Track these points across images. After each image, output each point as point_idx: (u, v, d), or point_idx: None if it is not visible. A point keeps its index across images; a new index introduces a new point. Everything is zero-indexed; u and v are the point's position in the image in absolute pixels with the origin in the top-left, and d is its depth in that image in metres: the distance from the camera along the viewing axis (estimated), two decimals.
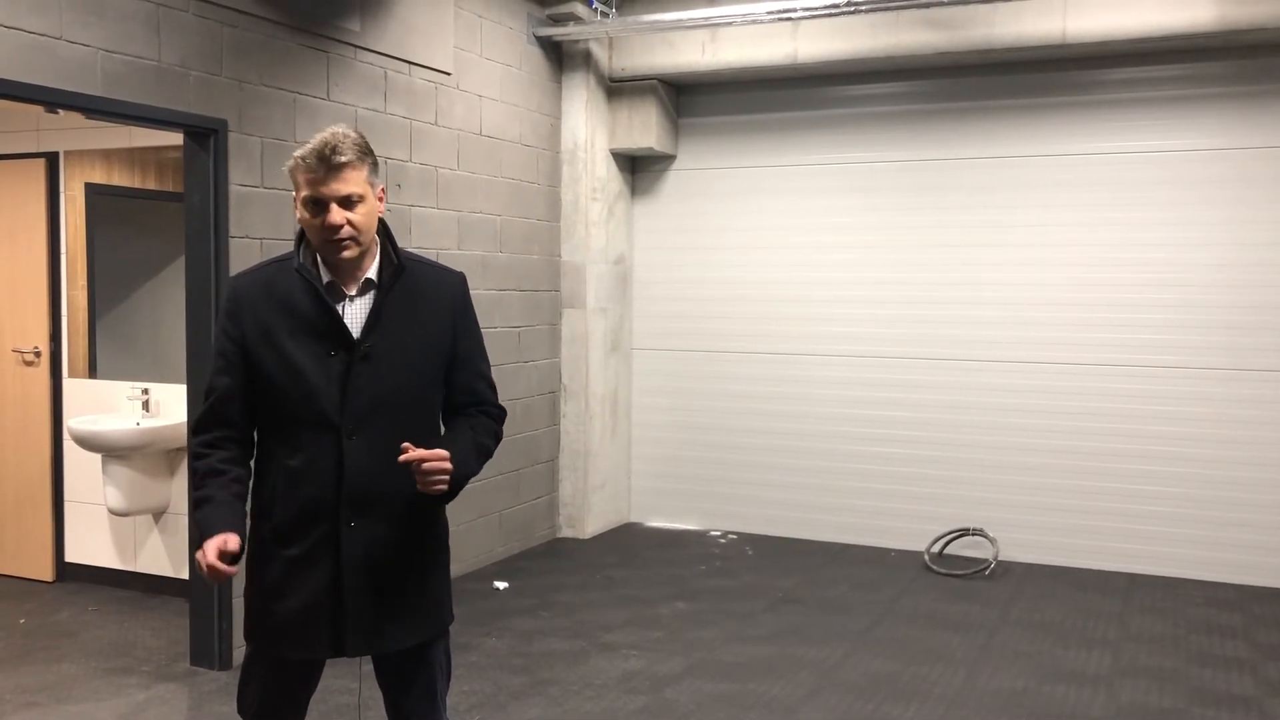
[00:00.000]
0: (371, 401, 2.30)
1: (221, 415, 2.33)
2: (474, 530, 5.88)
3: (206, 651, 4.36)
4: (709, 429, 6.92)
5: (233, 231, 4.40)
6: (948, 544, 6.22)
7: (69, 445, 5.42)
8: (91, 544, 5.51)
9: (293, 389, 2.29)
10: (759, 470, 6.78)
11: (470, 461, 2.36)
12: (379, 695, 2.53)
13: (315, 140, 2.25)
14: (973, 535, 6.15)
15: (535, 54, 6.38)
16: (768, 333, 6.76)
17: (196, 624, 4.40)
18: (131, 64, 3.96)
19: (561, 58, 6.59)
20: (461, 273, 2.53)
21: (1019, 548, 6.15)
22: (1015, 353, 6.20)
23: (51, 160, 5.49)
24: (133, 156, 5.43)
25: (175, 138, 4.53)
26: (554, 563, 6.13)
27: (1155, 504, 5.92)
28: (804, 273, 6.67)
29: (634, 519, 7.13)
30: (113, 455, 5.11)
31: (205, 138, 4.30)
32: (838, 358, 6.59)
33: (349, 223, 2.24)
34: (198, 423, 2.37)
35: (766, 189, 6.76)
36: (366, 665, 2.53)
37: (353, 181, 2.23)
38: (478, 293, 6.10)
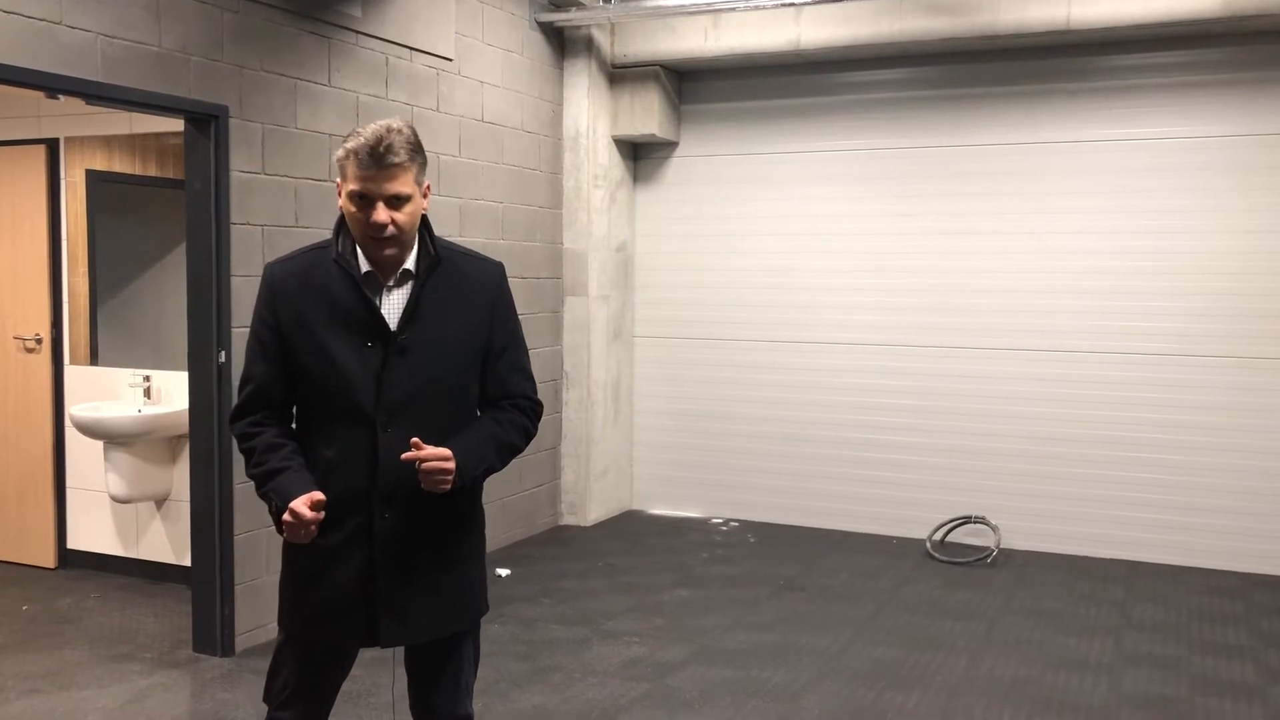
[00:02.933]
0: (407, 394, 2.28)
1: (263, 401, 2.33)
2: None
3: (209, 638, 4.37)
4: (711, 417, 6.92)
5: (234, 218, 4.39)
6: (949, 532, 6.22)
7: (70, 432, 5.42)
8: (93, 531, 5.51)
9: (329, 380, 2.28)
10: (761, 458, 6.78)
11: (487, 457, 2.33)
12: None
13: (369, 133, 2.21)
14: (975, 523, 6.15)
15: (537, 40, 6.35)
16: (771, 320, 6.75)
17: (199, 611, 4.40)
18: (132, 49, 3.94)
19: (564, 44, 6.56)
20: (500, 263, 2.49)
21: (1021, 535, 6.15)
22: (1017, 340, 6.18)
23: (52, 147, 5.47)
24: (134, 143, 5.41)
25: (176, 124, 4.51)
26: (556, 550, 6.13)
27: (1157, 492, 5.91)
28: (807, 260, 6.65)
29: (636, 507, 7.13)
30: (115, 442, 5.11)
31: (206, 124, 4.28)
32: (841, 345, 6.58)
33: (394, 222, 2.21)
34: (238, 409, 2.36)
35: (769, 176, 6.73)
36: (398, 653, 2.51)
37: (402, 182, 2.21)
38: None
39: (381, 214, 2.20)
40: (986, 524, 6.09)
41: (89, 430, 5.11)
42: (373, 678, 4.01)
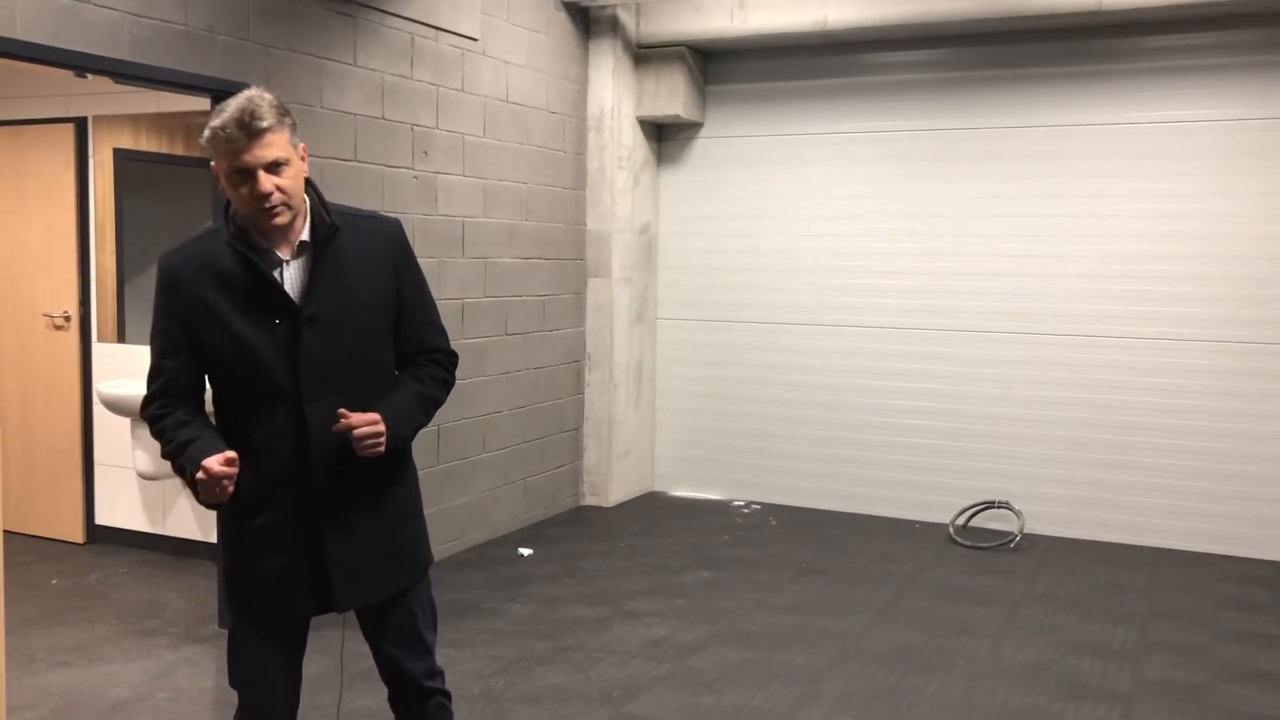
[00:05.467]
0: (326, 365, 2.27)
1: (172, 391, 2.30)
2: (498, 497, 5.91)
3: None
4: (733, 399, 6.91)
5: None
6: (972, 516, 6.19)
7: (98, 409, 5.47)
8: (121, 507, 5.58)
9: (243, 363, 2.25)
10: (783, 440, 6.77)
11: (415, 415, 2.38)
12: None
13: (231, 107, 2.16)
14: (998, 508, 6.12)
15: (562, 20, 6.32)
16: (794, 303, 6.72)
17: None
18: (159, 28, 3.95)
19: (589, 24, 6.53)
20: (396, 220, 2.49)
21: (1045, 521, 6.12)
22: (1044, 324, 6.13)
23: (80, 125, 5.50)
24: (160, 121, 5.44)
25: (203, 103, 4.52)
26: (578, 530, 6.15)
27: (1184, 478, 5.86)
28: (831, 242, 6.62)
29: (658, 488, 7.14)
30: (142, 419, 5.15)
31: None
32: (865, 328, 6.55)
33: (278, 188, 2.17)
34: (146, 398, 2.33)
35: (795, 158, 6.69)
36: (348, 619, 2.53)
37: (276, 146, 2.16)
38: (503, 261, 6.16)
39: (265, 183, 2.16)
40: (1010, 509, 6.06)
41: (116, 407, 5.16)
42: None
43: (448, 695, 2.61)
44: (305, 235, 2.29)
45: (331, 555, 2.32)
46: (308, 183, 2.29)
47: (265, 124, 2.14)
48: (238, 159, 2.15)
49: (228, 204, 2.27)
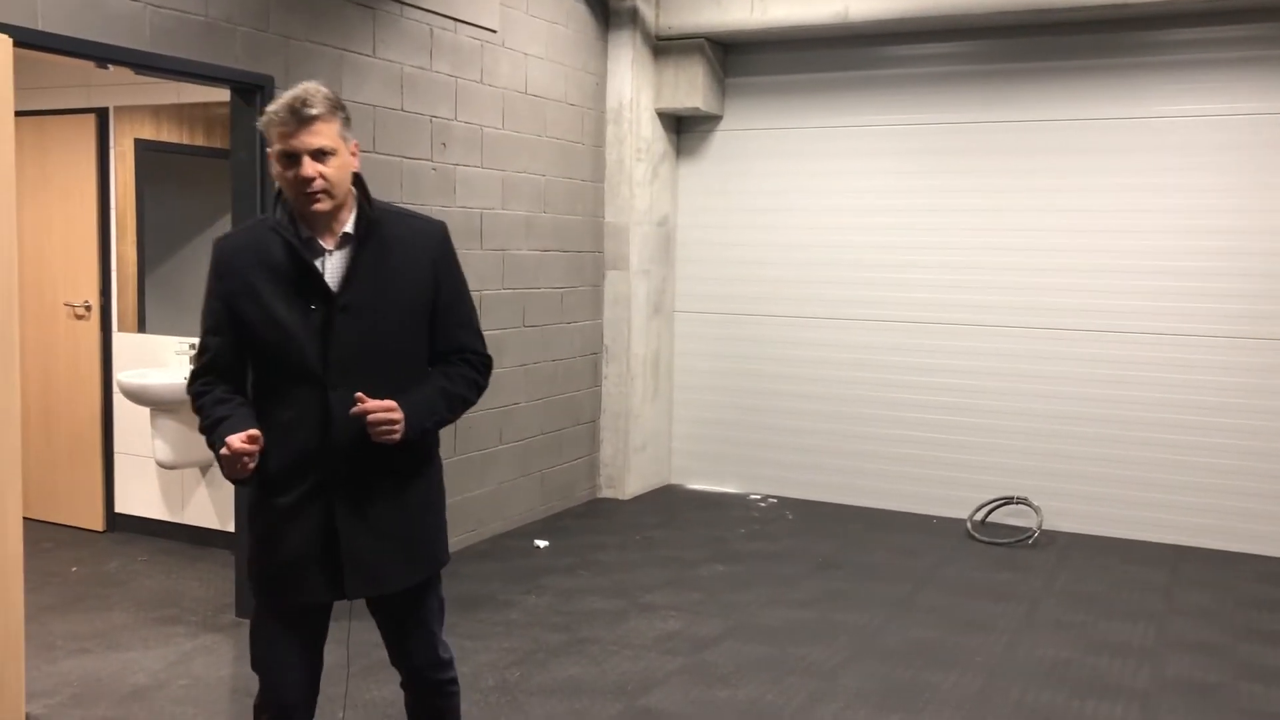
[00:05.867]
0: (353, 353, 2.34)
1: (216, 370, 2.41)
2: (515, 489, 5.91)
3: (251, 603, 4.42)
4: (751, 392, 6.89)
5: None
6: (991, 512, 6.16)
7: (118, 398, 5.50)
8: (140, 495, 5.61)
9: (278, 344, 2.34)
10: (801, 434, 6.75)
11: (436, 409, 2.40)
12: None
13: (286, 95, 2.27)
14: (1017, 504, 6.09)
15: (582, 11, 6.31)
16: (814, 296, 6.69)
17: (242, 576, 4.46)
18: (179, 19, 3.96)
19: (608, 15, 6.51)
20: (441, 222, 2.52)
21: (1064, 517, 6.08)
22: (1065, 320, 6.09)
23: (102, 116, 5.53)
24: (181, 112, 5.46)
25: (224, 94, 4.53)
26: (594, 523, 6.15)
27: (1205, 475, 5.81)
28: (851, 236, 6.58)
29: (675, 481, 7.13)
30: (161, 409, 5.18)
31: (251, 94, 4.30)
32: (884, 322, 6.52)
33: (321, 175, 2.25)
34: (193, 374, 2.45)
35: (815, 151, 6.66)
36: (357, 606, 2.57)
37: (324, 134, 2.25)
38: (520, 253, 6.15)
39: (308, 167, 2.24)
40: (1029, 505, 6.03)
41: (136, 397, 5.19)
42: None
43: (454, 682, 2.65)
44: (349, 227, 2.36)
45: (344, 541, 2.36)
46: (356, 178, 2.36)
47: (315, 112, 2.23)
48: (286, 142, 2.24)
49: (279, 193, 2.36)
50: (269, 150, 2.30)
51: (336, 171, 2.27)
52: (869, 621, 4.60)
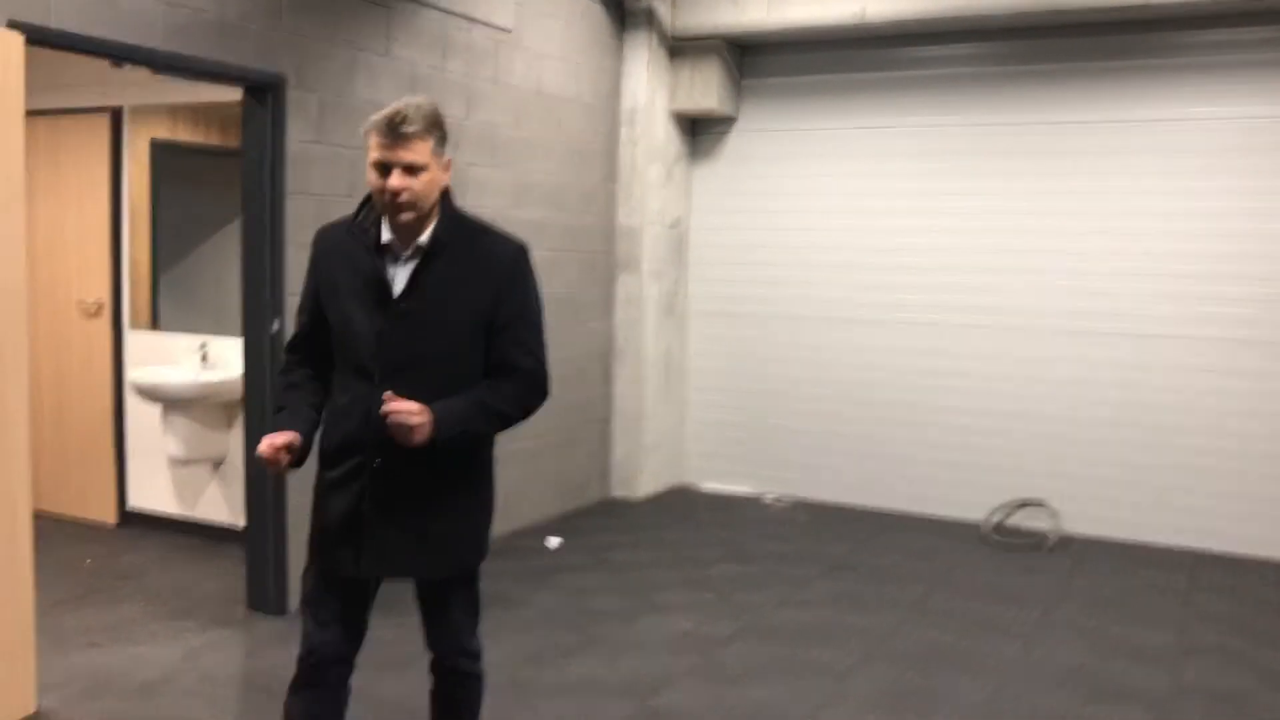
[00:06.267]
0: (404, 357, 2.45)
1: (303, 343, 2.64)
2: (528, 488, 5.90)
3: (262, 598, 4.43)
4: (764, 393, 6.86)
5: (290, 188, 4.41)
6: (1007, 515, 6.11)
7: (130, 395, 5.52)
8: (153, 491, 5.63)
9: (344, 336, 2.52)
10: (815, 436, 6.71)
11: (468, 420, 2.45)
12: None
13: (390, 107, 2.39)
14: (1033, 506, 6.03)
15: (597, 11, 6.30)
16: (828, 298, 6.66)
17: (253, 571, 4.47)
18: (192, 17, 3.96)
19: (623, 16, 6.50)
20: (519, 246, 2.58)
21: (1081, 520, 6.02)
22: (1082, 323, 6.03)
23: (115, 115, 5.55)
24: (197, 112, 5.47)
25: (238, 93, 4.54)
26: (607, 522, 6.13)
27: (1226, 479, 5.74)
28: (866, 238, 6.55)
29: (688, 481, 7.11)
30: (173, 406, 5.20)
31: (264, 93, 4.31)
32: (899, 324, 6.48)
33: (408, 189, 2.38)
34: (288, 344, 2.71)
35: (830, 153, 6.63)
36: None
37: (417, 151, 2.37)
38: (533, 254, 6.08)
39: (396, 180, 2.37)
40: (1045, 508, 5.97)
41: (148, 394, 5.20)
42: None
43: (476, 676, 2.72)
44: (425, 239, 2.48)
45: (366, 524, 2.49)
46: (445, 195, 2.50)
47: (410, 130, 2.36)
48: (381, 154, 2.38)
49: (368, 194, 2.50)
50: (369, 157, 2.42)
51: (424, 186, 2.40)
52: (881, 624, 4.57)
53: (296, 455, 2.46)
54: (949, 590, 5.04)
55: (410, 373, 2.44)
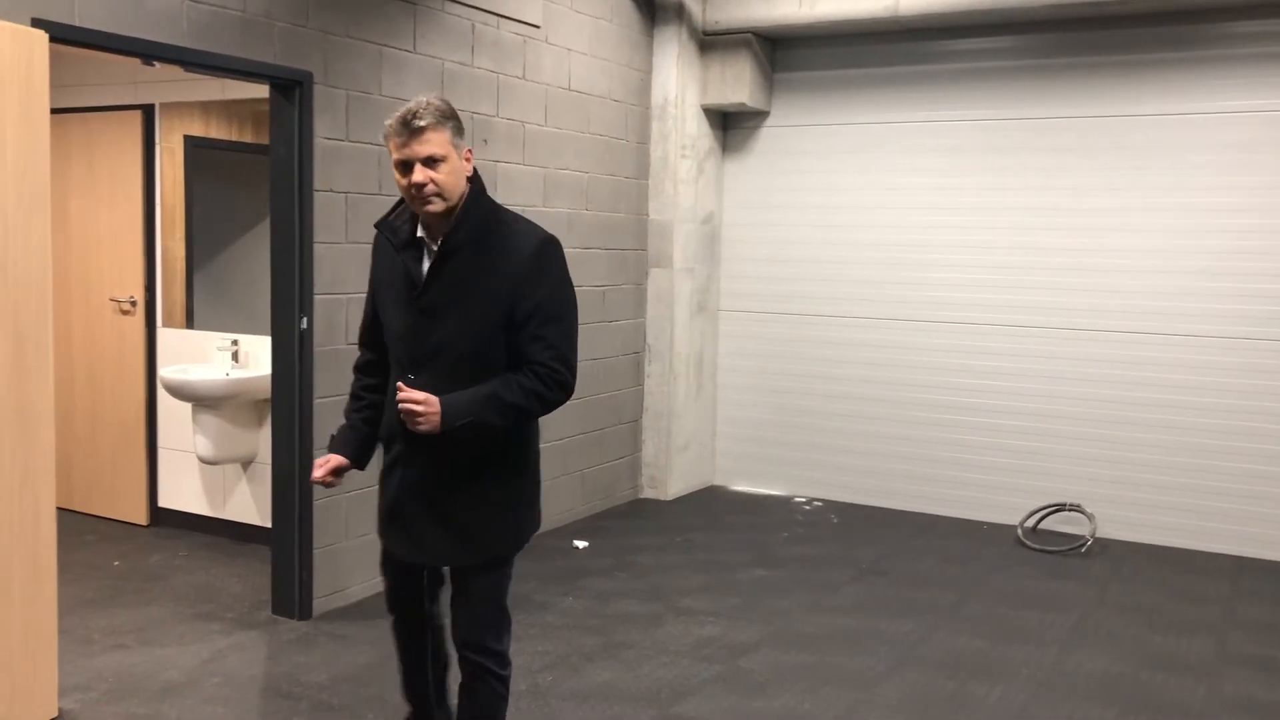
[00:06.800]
0: (428, 349, 2.55)
1: (365, 336, 2.80)
2: (556, 488, 5.86)
3: (287, 601, 4.42)
4: (796, 393, 6.77)
5: (318, 185, 4.39)
6: (1042, 519, 5.99)
7: (162, 393, 5.53)
8: (183, 490, 5.64)
9: (386, 329, 2.68)
10: (847, 437, 6.62)
11: (477, 410, 2.49)
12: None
13: (402, 109, 2.49)
14: (1069, 511, 5.91)
15: (626, 6, 6.23)
16: (861, 296, 6.56)
17: (278, 574, 4.46)
18: (217, 14, 3.95)
19: (654, 10, 6.43)
20: (544, 238, 2.59)
21: (1118, 525, 5.89)
22: (1121, 322, 5.90)
23: (148, 112, 5.56)
24: (229, 109, 5.47)
25: (263, 90, 4.52)
26: (634, 523, 6.08)
27: (1268, 484, 5.59)
28: (900, 235, 6.44)
29: (717, 482, 7.04)
30: (202, 404, 5.20)
31: (291, 90, 4.29)
32: (933, 323, 6.37)
33: (432, 180, 2.46)
34: (358, 335, 2.86)
35: (864, 147, 6.53)
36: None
37: (433, 143, 2.45)
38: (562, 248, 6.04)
39: (419, 174, 2.45)
40: (1081, 512, 5.85)
41: (177, 392, 5.21)
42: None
43: (494, 675, 2.72)
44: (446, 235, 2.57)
45: (401, 509, 2.64)
46: (474, 188, 2.56)
47: (423, 123, 2.44)
48: (400, 152, 2.47)
49: (402, 198, 2.62)
50: (392, 160, 2.53)
51: (447, 176, 2.48)
52: (912, 630, 4.48)
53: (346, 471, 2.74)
54: (982, 596, 4.94)
55: (435, 365, 2.52)
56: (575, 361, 2.59)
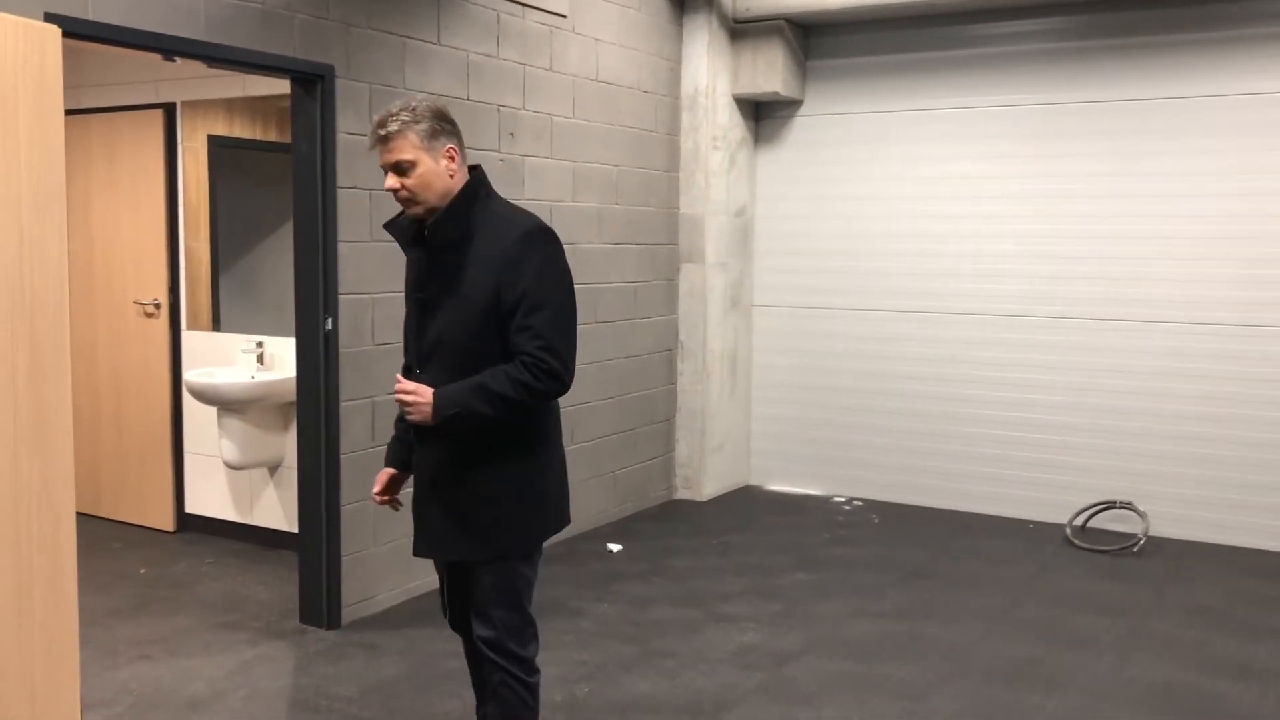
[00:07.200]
0: (429, 343, 2.60)
1: (406, 340, 2.76)
2: (588, 490, 5.72)
3: (315, 611, 4.30)
4: (833, 389, 6.59)
5: (341, 181, 4.27)
6: (1091, 516, 5.79)
7: (188, 397, 5.44)
8: (210, 496, 5.55)
9: (405, 325, 2.75)
10: (886, 434, 6.43)
11: (467, 402, 2.50)
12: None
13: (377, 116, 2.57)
14: (1120, 508, 5.70)
15: None
16: (900, 289, 6.37)
17: (305, 583, 4.34)
18: (236, 7, 3.83)
19: None
20: (529, 228, 2.58)
21: (1173, 523, 5.67)
22: (1170, 312, 5.68)
23: (169, 111, 5.47)
24: (253, 106, 5.36)
25: (284, 85, 4.41)
26: (669, 525, 5.93)
27: None
28: (939, 225, 6.25)
29: (753, 482, 6.88)
30: (228, 408, 5.10)
31: (312, 84, 4.17)
32: (974, 315, 6.17)
33: (403, 186, 2.52)
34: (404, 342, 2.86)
35: (901, 136, 6.33)
36: None
37: (400, 149, 2.49)
38: (591, 246, 5.95)
39: (390, 180, 2.53)
40: (1133, 509, 5.64)
41: (202, 396, 5.11)
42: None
43: (519, 681, 2.69)
44: (453, 231, 2.59)
45: (417, 501, 2.69)
46: (470, 184, 2.58)
47: (388, 130, 2.49)
48: (380, 160, 2.55)
49: None
50: None
51: (418, 180, 2.51)
52: (962, 636, 4.30)
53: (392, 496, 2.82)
54: (1033, 599, 4.76)
55: (437, 358, 2.58)
56: (566, 349, 2.53)
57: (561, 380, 2.53)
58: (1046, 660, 4.06)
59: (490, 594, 2.64)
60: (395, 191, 2.53)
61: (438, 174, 2.52)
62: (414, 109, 2.51)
